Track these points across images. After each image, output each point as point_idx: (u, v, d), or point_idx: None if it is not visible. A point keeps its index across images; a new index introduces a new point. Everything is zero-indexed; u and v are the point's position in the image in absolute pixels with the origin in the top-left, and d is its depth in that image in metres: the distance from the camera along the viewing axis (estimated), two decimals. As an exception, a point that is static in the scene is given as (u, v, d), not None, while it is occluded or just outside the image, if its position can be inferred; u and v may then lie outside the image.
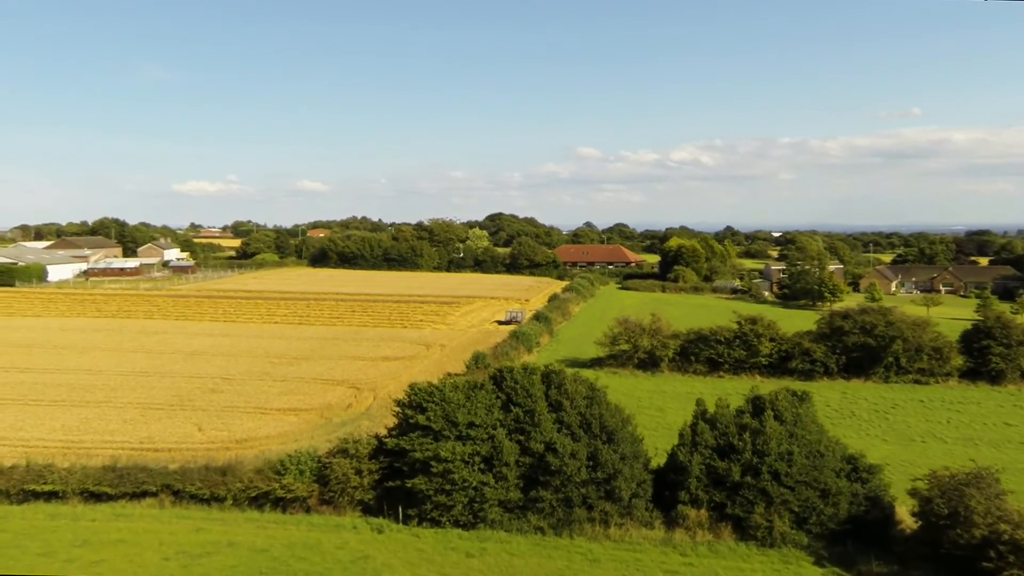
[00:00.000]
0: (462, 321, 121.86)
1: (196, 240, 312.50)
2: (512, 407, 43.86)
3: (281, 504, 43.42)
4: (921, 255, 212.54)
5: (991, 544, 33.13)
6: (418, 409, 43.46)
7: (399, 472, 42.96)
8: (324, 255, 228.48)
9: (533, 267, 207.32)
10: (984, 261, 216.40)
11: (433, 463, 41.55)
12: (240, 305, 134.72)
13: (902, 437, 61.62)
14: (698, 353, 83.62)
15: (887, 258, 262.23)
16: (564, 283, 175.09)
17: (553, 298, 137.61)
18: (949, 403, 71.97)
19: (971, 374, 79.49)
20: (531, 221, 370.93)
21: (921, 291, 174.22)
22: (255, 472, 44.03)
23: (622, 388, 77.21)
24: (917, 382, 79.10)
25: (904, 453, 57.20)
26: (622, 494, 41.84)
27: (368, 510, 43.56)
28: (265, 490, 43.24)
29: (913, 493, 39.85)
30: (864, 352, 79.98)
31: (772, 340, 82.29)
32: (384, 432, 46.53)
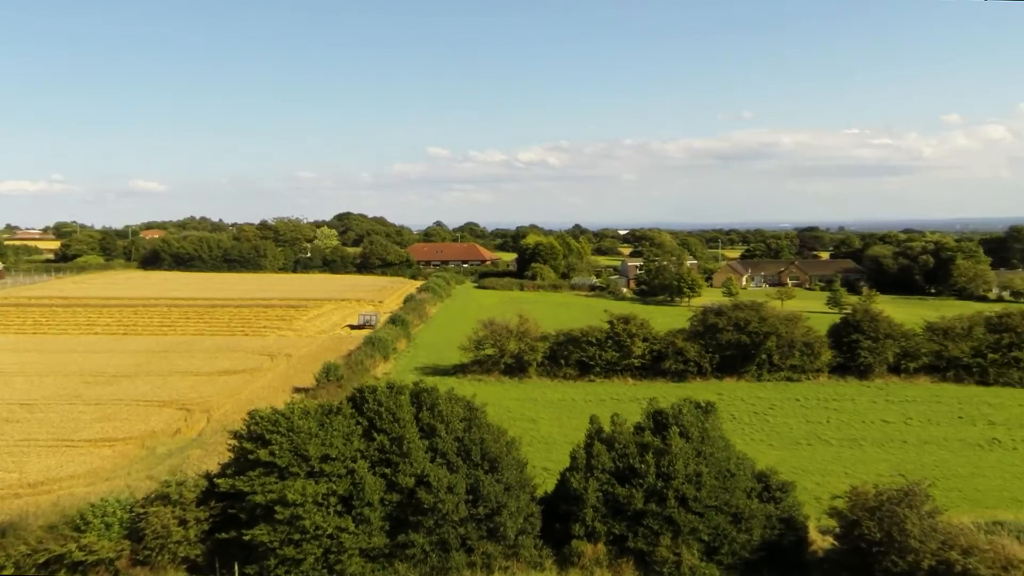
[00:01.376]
0: (311, 327, 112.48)
1: (8, 242, 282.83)
2: (376, 434, 36.54)
3: (80, 569, 34.26)
4: (768, 250, 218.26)
5: (940, 577, 28.81)
6: (259, 442, 35.39)
7: (235, 520, 34.79)
8: (157, 257, 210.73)
9: (386, 267, 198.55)
10: (824, 255, 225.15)
11: (278, 508, 33.70)
12: (54, 314, 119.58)
13: (787, 441, 58.39)
14: (568, 356, 78.55)
15: (731, 254, 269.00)
16: (419, 283, 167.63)
17: (409, 299, 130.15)
18: (824, 401, 69.89)
19: (840, 369, 78.18)
20: (381, 220, 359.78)
21: (770, 285, 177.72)
22: (46, 530, 34.71)
23: (489, 397, 70.81)
24: (789, 379, 77.03)
25: (794, 459, 53.68)
26: (507, 532, 35.40)
27: (195, 569, 35.14)
28: (58, 553, 33.96)
29: (834, 513, 35.46)
30: (738, 350, 77.21)
31: (645, 340, 78.30)
32: (217, 468, 38.15)
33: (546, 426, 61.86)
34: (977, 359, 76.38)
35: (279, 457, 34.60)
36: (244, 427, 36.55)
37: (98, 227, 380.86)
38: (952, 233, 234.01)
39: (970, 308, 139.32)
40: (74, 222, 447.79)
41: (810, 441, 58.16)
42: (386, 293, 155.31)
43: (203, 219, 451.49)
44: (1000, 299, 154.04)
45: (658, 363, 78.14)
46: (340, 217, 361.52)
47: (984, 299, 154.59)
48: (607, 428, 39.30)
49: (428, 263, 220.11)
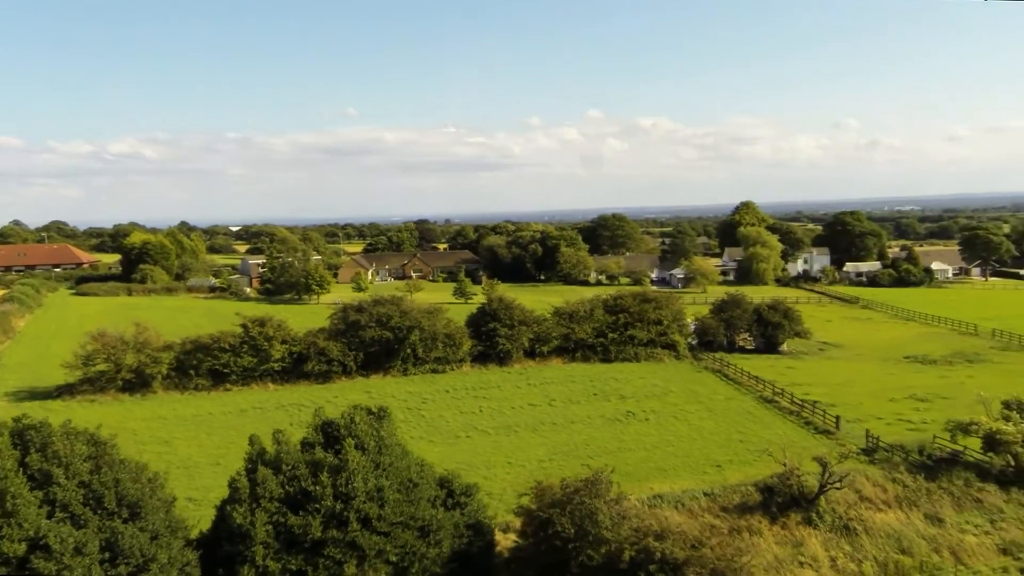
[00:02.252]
0: None
1: None
2: (-38, 493, 27.76)
3: None
4: (390, 243, 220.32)
5: (640, 566, 28.35)
6: None
7: None
8: None
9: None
10: (442, 247, 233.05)
11: None
12: None
13: (446, 435, 57.13)
14: (199, 365, 70.50)
15: (351, 248, 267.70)
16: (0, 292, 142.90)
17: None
18: (472, 390, 70.17)
19: (482, 357, 79.43)
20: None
21: (395, 278, 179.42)
22: None
23: (109, 420, 60.69)
24: (435, 371, 76.47)
25: (456, 453, 52.48)
26: (158, 589, 28.94)
27: None
28: None
29: (522, 512, 34.18)
30: (382, 346, 74.91)
31: (284, 342, 72.85)
32: None
33: (183, 447, 54.23)
34: (600, 339, 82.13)
35: None
36: None
37: None
38: (547, 224, 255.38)
39: (576, 292, 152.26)
40: None
41: (468, 433, 57.48)
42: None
43: None
44: (599, 282, 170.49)
45: (300, 365, 73.20)
46: None
47: (586, 283, 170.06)
48: (271, 448, 34.10)
49: (9, 268, 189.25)
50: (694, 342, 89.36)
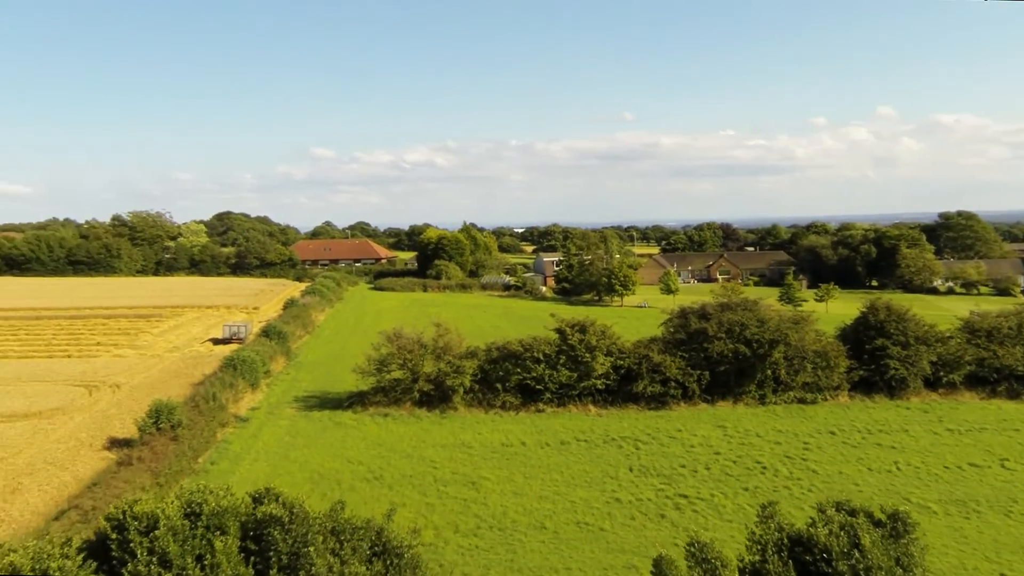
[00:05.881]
0: (161, 342, 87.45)
1: None
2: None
3: None
4: (690, 243, 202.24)
5: None
6: None
7: None
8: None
9: (265, 267, 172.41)
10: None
11: None
12: None
13: (864, 504, 38.52)
14: (506, 378, 57.19)
15: (637, 250, 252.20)
16: (304, 284, 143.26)
17: (290, 304, 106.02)
18: (867, 433, 50.63)
19: (863, 385, 59.46)
20: (264, 220, 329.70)
21: (699, 280, 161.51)
22: None
23: (403, 443, 49.15)
24: (802, 401, 57.68)
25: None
26: None
27: None
28: None
29: None
30: (732, 364, 57.52)
31: (608, 354, 57.75)
32: None
33: (495, 495, 40.22)
34: (1034, 367, 59.09)
35: None
36: None
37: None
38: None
39: (923, 301, 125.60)
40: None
41: (900, 507, 38.44)
42: (264, 298, 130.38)
43: (67, 221, 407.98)
44: (950, 291, 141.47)
45: (626, 384, 57.68)
46: (219, 217, 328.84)
47: (934, 291, 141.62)
48: (693, 580, 18.10)
49: (315, 262, 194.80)
50: None
